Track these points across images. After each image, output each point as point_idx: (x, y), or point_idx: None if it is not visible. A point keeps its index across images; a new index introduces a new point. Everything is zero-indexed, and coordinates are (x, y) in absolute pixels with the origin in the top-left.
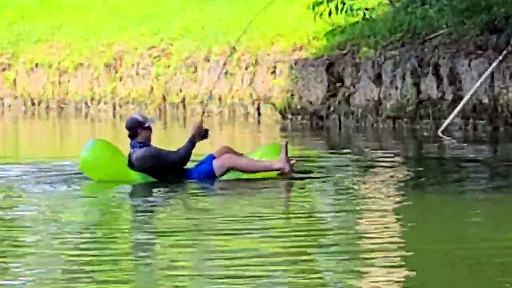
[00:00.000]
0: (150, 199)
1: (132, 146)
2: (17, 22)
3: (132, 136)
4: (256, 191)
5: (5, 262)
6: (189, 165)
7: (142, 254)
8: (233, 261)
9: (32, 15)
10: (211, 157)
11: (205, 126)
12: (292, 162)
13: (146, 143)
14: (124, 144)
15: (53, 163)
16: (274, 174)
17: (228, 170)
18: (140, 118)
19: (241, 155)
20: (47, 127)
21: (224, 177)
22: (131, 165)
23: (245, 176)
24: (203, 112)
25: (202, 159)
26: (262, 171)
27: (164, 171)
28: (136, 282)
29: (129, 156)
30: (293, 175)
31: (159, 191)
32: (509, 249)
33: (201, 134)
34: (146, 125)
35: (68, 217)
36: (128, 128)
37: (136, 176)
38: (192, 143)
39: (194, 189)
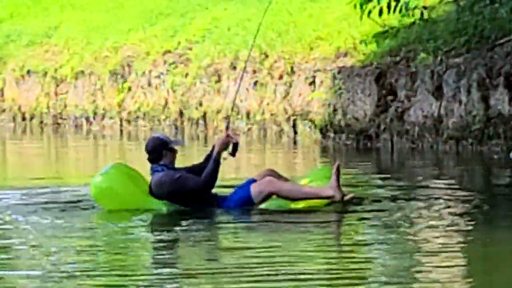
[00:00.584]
0: (168, 234)
1: (154, 171)
2: (5, 21)
3: (155, 160)
4: (296, 227)
5: None
6: (220, 189)
7: None
8: None
9: (24, 13)
10: (251, 181)
11: (233, 140)
12: (350, 195)
13: (169, 166)
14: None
15: (48, 189)
16: (323, 202)
17: (268, 196)
18: (164, 138)
19: (288, 180)
20: (41, 147)
21: (264, 205)
22: (152, 192)
23: (289, 204)
24: (228, 126)
25: (241, 184)
26: (309, 198)
27: (188, 198)
28: None
29: (150, 182)
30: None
31: (183, 223)
32: None
33: (229, 151)
34: (171, 146)
35: (68, 254)
36: (150, 151)
37: (159, 206)
38: (217, 164)
39: (224, 221)
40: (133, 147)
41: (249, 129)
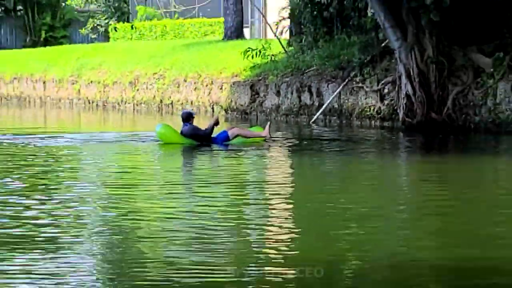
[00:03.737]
0: (189, 156)
1: (185, 126)
2: (80, 58)
3: (186, 121)
4: (246, 154)
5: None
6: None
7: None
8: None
9: (89, 54)
10: (226, 131)
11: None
12: (270, 133)
13: (191, 124)
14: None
15: (111, 134)
16: (262, 138)
17: (236, 136)
18: (192, 112)
19: (244, 129)
20: (97, 116)
21: (234, 141)
22: (183, 134)
23: (247, 140)
24: (217, 116)
25: (221, 132)
26: (255, 137)
27: (200, 138)
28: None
29: (182, 130)
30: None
31: (198, 151)
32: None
33: (216, 122)
34: (194, 115)
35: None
36: (184, 117)
37: (186, 141)
38: (212, 127)
39: (217, 149)
40: (140, 115)
41: (191, 109)
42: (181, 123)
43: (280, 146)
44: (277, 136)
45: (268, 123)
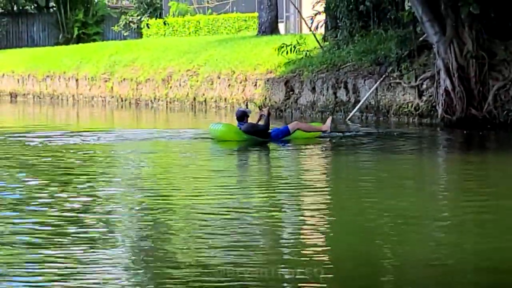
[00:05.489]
0: (246, 152)
1: (240, 124)
2: (113, 55)
3: (241, 119)
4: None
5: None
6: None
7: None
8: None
9: (122, 51)
10: (286, 126)
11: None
12: (331, 128)
13: (247, 121)
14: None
15: (147, 131)
16: (318, 133)
17: (295, 130)
18: (246, 110)
19: (304, 123)
20: (129, 114)
21: (294, 134)
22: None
23: (304, 135)
24: (269, 108)
25: (280, 127)
26: (316, 131)
27: (258, 134)
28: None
29: (239, 128)
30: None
31: (253, 147)
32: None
33: (269, 114)
34: (248, 114)
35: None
36: (239, 116)
37: (247, 137)
38: (268, 119)
39: (274, 145)
40: (174, 113)
41: (225, 107)
42: (217, 120)
43: (322, 144)
44: (335, 129)
45: (330, 117)
